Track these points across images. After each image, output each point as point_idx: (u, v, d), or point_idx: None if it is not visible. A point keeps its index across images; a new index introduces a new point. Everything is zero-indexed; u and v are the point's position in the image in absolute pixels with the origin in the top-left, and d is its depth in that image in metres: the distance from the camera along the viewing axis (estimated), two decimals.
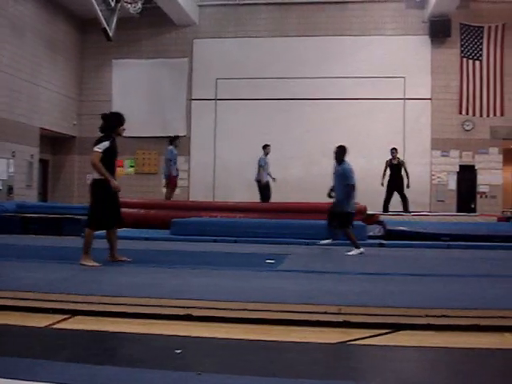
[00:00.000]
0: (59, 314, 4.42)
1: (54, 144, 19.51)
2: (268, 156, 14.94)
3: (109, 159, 6.66)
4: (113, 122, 6.81)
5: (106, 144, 6.60)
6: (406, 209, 15.14)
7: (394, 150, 15.33)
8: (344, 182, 8.93)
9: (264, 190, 14.91)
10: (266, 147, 14.96)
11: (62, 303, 4.58)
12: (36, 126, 17.04)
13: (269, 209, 13.41)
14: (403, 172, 15.17)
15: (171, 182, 14.57)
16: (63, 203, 17.10)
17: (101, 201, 6.70)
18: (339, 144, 9.26)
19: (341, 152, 9.11)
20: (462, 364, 3.42)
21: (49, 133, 18.11)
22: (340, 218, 9.03)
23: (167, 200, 14.40)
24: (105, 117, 6.86)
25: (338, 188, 9.09)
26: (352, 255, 8.59)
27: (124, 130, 6.93)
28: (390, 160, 15.34)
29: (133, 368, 3.11)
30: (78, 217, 11.31)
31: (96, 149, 6.58)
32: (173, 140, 14.58)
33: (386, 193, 15.32)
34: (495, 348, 3.71)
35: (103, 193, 6.65)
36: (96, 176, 6.67)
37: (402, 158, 16.50)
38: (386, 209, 15.12)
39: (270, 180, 14.97)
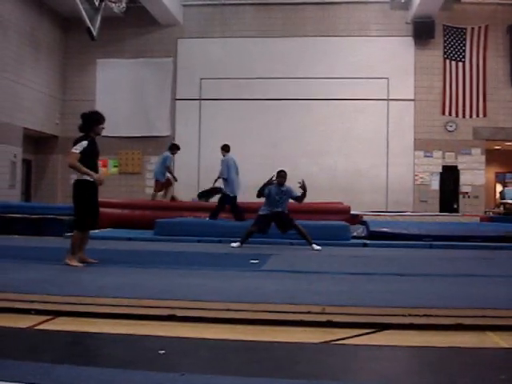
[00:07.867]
0: (42, 315, 4.38)
1: (37, 144, 19.36)
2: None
3: (89, 159, 6.60)
4: (91, 121, 6.72)
5: (83, 144, 6.53)
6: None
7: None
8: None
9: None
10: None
11: (45, 304, 4.54)
12: (19, 125, 16.87)
13: (252, 209, 13.36)
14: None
15: (162, 185, 14.33)
16: (46, 203, 16.96)
17: (84, 201, 6.66)
18: (280, 169, 9.70)
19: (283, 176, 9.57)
20: (444, 363, 3.43)
21: (32, 132, 17.95)
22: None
23: (167, 199, 14.22)
24: (84, 116, 6.77)
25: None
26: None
27: (103, 128, 6.84)
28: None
29: (116, 369, 3.10)
30: (61, 217, 11.27)
31: (73, 150, 6.51)
32: (172, 148, 14.35)
33: None
34: (477, 347, 3.74)
35: (85, 193, 6.62)
36: (77, 177, 6.61)
37: (385, 158, 16.60)
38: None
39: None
